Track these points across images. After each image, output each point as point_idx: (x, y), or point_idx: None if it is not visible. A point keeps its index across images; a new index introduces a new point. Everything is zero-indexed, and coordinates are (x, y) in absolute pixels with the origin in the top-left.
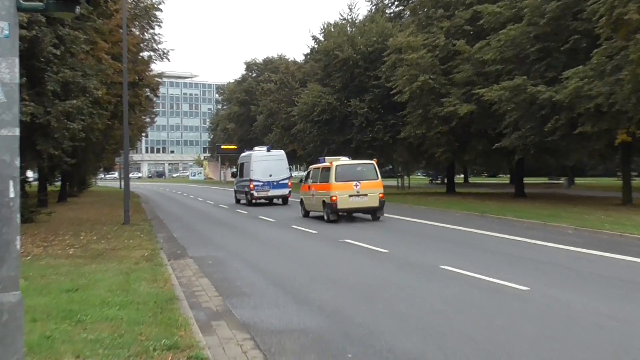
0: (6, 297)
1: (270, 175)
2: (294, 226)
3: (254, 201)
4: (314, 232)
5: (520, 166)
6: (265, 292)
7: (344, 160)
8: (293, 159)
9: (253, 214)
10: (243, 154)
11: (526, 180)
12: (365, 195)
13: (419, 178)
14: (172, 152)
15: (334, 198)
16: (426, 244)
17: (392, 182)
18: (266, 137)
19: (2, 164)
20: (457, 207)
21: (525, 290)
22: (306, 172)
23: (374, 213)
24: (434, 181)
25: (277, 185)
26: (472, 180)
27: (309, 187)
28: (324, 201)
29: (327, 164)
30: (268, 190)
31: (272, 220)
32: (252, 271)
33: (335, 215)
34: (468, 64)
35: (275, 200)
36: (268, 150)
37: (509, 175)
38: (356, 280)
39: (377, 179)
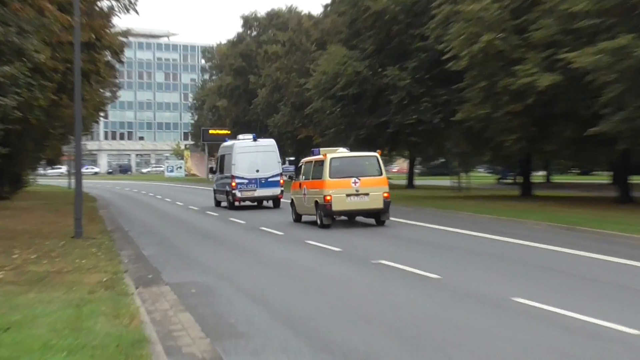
0: None
1: (257, 171)
2: (307, 241)
3: (236, 203)
4: (336, 249)
5: (626, 160)
6: (269, 332)
7: (341, 152)
8: (306, 149)
9: (249, 222)
10: (224, 144)
11: (635, 179)
12: (367, 194)
13: (482, 176)
14: (142, 138)
15: (327, 198)
16: (491, 268)
17: (445, 182)
18: (270, 119)
19: None
20: (536, 216)
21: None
22: (298, 166)
23: (378, 217)
24: (502, 180)
25: (266, 183)
26: (556, 179)
27: (300, 185)
28: (316, 202)
29: (320, 156)
30: (254, 190)
31: (276, 232)
32: (250, 303)
33: (330, 219)
34: (551, 17)
35: (265, 203)
36: (255, 139)
37: (609, 173)
38: (396, 317)
39: (381, 174)
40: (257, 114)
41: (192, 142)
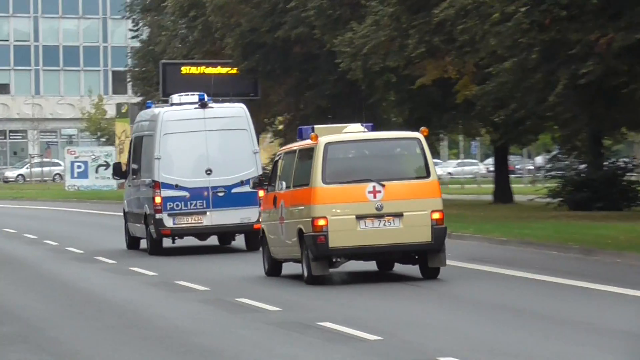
0: None
1: (209, 172)
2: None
3: (165, 241)
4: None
5: None
6: None
7: (352, 131)
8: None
9: (163, 279)
10: (142, 113)
11: None
12: (398, 215)
13: None
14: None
15: (319, 223)
16: None
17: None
18: (342, 36)
19: None
20: None
21: None
22: (273, 160)
23: (423, 260)
24: None
25: (227, 198)
26: None
27: (274, 200)
28: (300, 231)
29: (307, 141)
30: (202, 213)
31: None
32: None
33: (325, 265)
34: None
35: (229, 239)
36: (202, 102)
37: None
38: None
39: (428, 175)
40: (306, 24)
41: (137, 99)
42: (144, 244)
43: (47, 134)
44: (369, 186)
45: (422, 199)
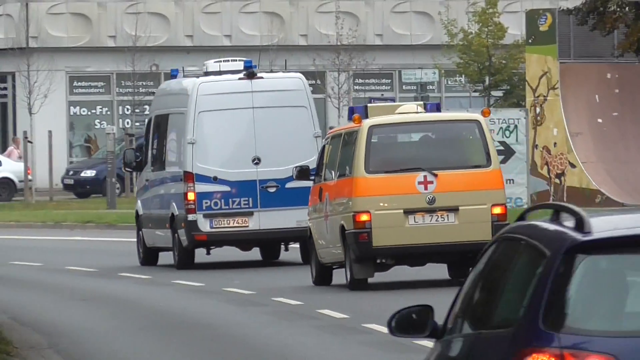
0: None
1: (256, 162)
2: None
3: (200, 249)
4: None
5: None
6: None
7: (403, 110)
8: None
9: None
10: (165, 86)
11: None
12: (454, 210)
13: None
14: None
15: (362, 218)
16: None
17: None
18: None
19: None
20: None
21: None
22: (321, 147)
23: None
24: None
25: (280, 194)
26: None
27: (320, 193)
28: (341, 228)
29: (350, 124)
30: (248, 214)
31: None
32: None
33: (370, 267)
34: None
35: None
36: (249, 71)
37: None
38: None
39: (488, 163)
40: None
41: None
42: (164, 258)
43: None
44: (419, 176)
45: (481, 190)
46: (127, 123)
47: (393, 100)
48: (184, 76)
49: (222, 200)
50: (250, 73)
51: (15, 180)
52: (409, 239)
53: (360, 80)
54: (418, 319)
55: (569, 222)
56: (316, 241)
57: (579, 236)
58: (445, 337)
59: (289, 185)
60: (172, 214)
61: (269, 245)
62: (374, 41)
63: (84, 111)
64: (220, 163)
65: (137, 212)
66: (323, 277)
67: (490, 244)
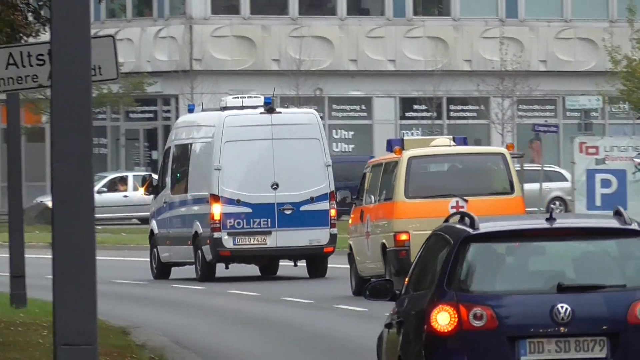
0: None
1: (275, 187)
2: None
3: (222, 264)
4: None
5: None
6: None
7: (437, 144)
8: None
9: None
10: (185, 118)
11: None
12: None
13: None
14: None
15: (402, 238)
16: None
17: None
18: None
19: None
20: None
21: None
22: (363, 173)
23: None
24: None
25: (295, 216)
26: None
27: (361, 215)
28: (383, 246)
29: (391, 155)
30: (267, 233)
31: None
32: None
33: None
34: None
35: (296, 263)
36: (269, 107)
37: None
38: None
39: (512, 191)
40: None
41: None
42: (176, 272)
43: None
44: (452, 201)
45: (506, 214)
46: None
47: (557, 127)
48: (202, 110)
49: (244, 220)
50: (270, 108)
51: None
52: None
53: (524, 107)
54: (383, 288)
55: (467, 223)
56: (356, 257)
57: (470, 231)
58: (399, 297)
59: (303, 208)
60: (196, 232)
61: (291, 260)
62: (537, 67)
63: None
64: (243, 187)
65: (151, 231)
66: (360, 287)
67: (427, 238)
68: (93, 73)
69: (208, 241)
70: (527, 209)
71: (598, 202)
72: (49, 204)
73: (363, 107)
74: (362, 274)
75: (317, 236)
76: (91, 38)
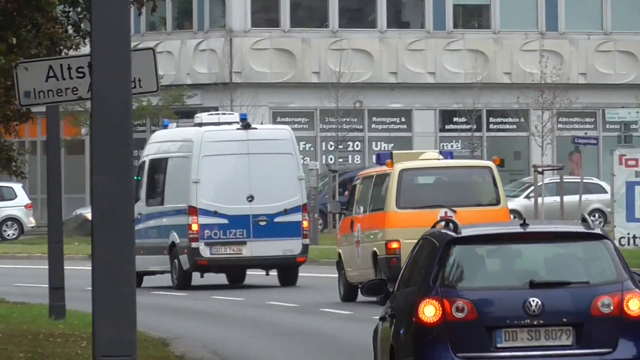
0: None
1: (250, 199)
2: None
3: (198, 273)
4: None
5: None
6: None
7: (425, 157)
8: None
9: None
10: (163, 132)
11: None
12: None
13: None
14: None
15: (393, 246)
16: None
17: None
18: None
19: None
20: None
21: None
22: (352, 185)
23: None
24: None
25: (270, 227)
26: None
27: (351, 224)
28: (374, 254)
29: (383, 167)
30: (242, 243)
31: None
32: None
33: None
34: None
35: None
36: (245, 123)
37: None
38: None
39: (498, 203)
40: None
41: None
42: (148, 280)
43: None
44: (441, 211)
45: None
46: (331, 159)
47: (597, 139)
48: (177, 126)
49: (221, 231)
50: (246, 124)
51: None
52: None
53: (564, 119)
54: (378, 286)
55: (451, 228)
56: (345, 264)
57: (454, 234)
58: (392, 295)
59: (277, 219)
60: (173, 242)
61: (263, 269)
62: (577, 80)
63: None
64: (220, 199)
65: None
66: (349, 294)
67: (417, 242)
68: (133, 85)
69: (185, 251)
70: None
71: (638, 214)
72: (89, 215)
73: (403, 119)
74: (351, 280)
75: (290, 246)
76: (131, 51)
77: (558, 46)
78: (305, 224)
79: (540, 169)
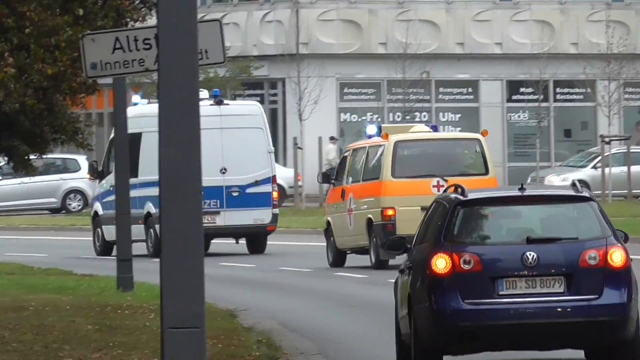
0: None
1: (224, 171)
2: None
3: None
4: None
5: None
6: None
7: (416, 130)
8: None
9: None
10: (137, 109)
11: None
12: None
13: None
14: None
15: (388, 213)
16: None
17: None
18: None
19: None
20: None
21: None
22: (341, 157)
23: None
24: None
25: (242, 198)
26: None
27: (342, 193)
28: (369, 220)
29: (377, 139)
30: (216, 213)
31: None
32: None
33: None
34: None
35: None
36: (218, 99)
37: None
38: None
39: (486, 172)
40: None
41: None
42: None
43: None
44: (434, 181)
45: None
46: None
47: None
48: (149, 103)
49: None
50: (219, 100)
51: (285, 186)
52: None
53: (631, 89)
54: (398, 243)
55: (459, 192)
56: (335, 232)
57: (461, 198)
58: (410, 250)
59: (248, 190)
60: (149, 212)
61: (234, 238)
62: None
63: (354, 118)
64: None
65: (95, 213)
66: (338, 260)
67: (430, 205)
68: (200, 57)
69: (153, 221)
70: (634, 191)
71: None
72: None
73: (469, 90)
74: (341, 247)
75: (260, 216)
76: (198, 22)
77: (624, 16)
78: (274, 194)
79: (607, 139)
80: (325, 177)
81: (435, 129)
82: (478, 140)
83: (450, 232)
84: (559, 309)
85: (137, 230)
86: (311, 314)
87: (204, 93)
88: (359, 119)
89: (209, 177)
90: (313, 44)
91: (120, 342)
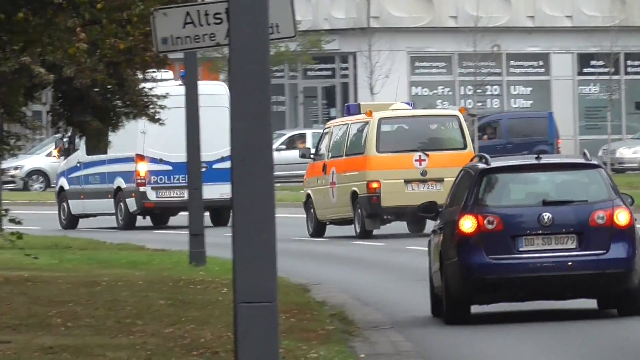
0: None
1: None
2: None
3: (142, 216)
4: None
5: None
6: None
7: (396, 107)
8: None
9: None
10: None
11: None
12: (439, 181)
13: None
14: None
15: (373, 186)
16: None
17: None
18: None
19: None
20: None
21: None
22: (322, 133)
23: None
24: None
25: (209, 173)
26: None
27: (323, 168)
28: (354, 193)
29: (361, 115)
30: (185, 186)
31: None
32: None
33: (378, 221)
34: None
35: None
36: (184, 80)
37: None
38: None
39: (465, 147)
40: None
41: None
42: (83, 223)
43: None
44: (416, 155)
45: (460, 167)
46: (470, 103)
47: None
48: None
49: (166, 177)
50: (184, 77)
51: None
52: (407, 201)
53: None
54: (431, 207)
55: (483, 161)
56: (316, 204)
57: (485, 166)
58: (441, 213)
59: (215, 166)
60: (119, 186)
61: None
62: None
63: (425, 91)
64: (165, 148)
65: (61, 187)
66: (319, 231)
67: (458, 173)
68: (271, 31)
69: (133, 194)
70: None
71: None
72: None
73: (541, 63)
74: (321, 218)
75: (227, 190)
76: None
77: None
78: None
79: None
80: (305, 153)
81: (412, 106)
82: (456, 116)
83: (475, 196)
84: (571, 263)
85: (107, 204)
86: (383, 288)
87: (168, 74)
88: (431, 92)
89: (179, 154)
90: (384, 17)
91: (193, 317)
